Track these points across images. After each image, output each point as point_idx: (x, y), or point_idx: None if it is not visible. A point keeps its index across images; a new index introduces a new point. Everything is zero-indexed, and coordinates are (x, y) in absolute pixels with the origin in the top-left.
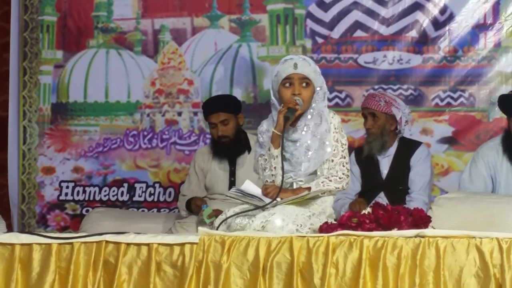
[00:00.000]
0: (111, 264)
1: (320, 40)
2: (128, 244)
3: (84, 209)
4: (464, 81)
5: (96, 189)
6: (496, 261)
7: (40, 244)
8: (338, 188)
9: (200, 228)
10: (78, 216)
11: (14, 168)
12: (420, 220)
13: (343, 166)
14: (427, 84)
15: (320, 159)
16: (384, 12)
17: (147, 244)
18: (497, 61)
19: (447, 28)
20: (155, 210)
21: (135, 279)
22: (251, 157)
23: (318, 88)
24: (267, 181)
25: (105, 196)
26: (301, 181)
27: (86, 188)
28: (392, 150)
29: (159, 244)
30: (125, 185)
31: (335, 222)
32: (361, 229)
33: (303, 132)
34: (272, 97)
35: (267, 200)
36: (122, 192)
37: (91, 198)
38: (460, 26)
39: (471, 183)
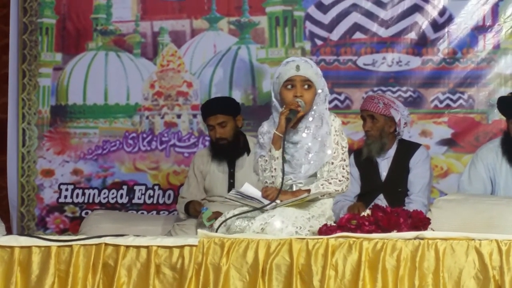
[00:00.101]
0: (110, 267)
1: (319, 42)
2: (128, 247)
3: (84, 212)
4: (463, 83)
5: (96, 191)
6: (495, 263)
7: (39, 246)
8: (338, 190)
9: (199, 230)
10: (77, 218)
11: (13, 171)
12: (420, 222)
13: (343, 168)
14: (426, 86)
15: (320, 162)
16: (383, 14)
17: (147, 247)
18: (496, 63)
19: (446, 30)
20: (154, 212)
21: (135, 281)
22: (250, 159)
23: (319, 91)
24: (266, 182)
25: (104, 198)
26: (300, 183)
27: (86, 191)
28: (391, 152)
29: (158, 246)
30: (125, 187)
31: (334, 224)
32: (360, 231)
33: (304, 134)
34: (273, 99)
35: (267, 202)
36: (122, 195)
37: (91, 201)
38: (459, 28)
39: (470, 185)
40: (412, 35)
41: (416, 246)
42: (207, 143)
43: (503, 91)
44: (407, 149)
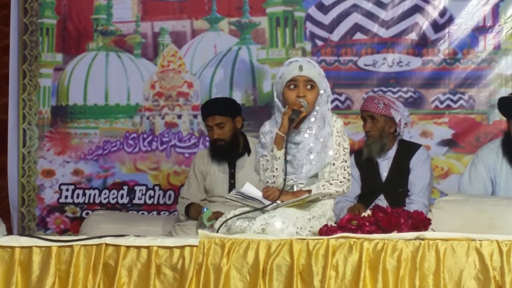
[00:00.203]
0: (111, 267)
1: (319, 43)
2: (128, 247)
3: (84, 212)
4: (464, 84)
5: (96, 192)
6: (496, 263)
7: (40, 247)
8: (339, 191)
9: (200, 230)
10: (78, 219)
11: (14, 171)
12: (420, 222)
13: (344, 170)
14: (427, 86)
15: (322, 162)
16: (384, 14)
17: (147, 247)
18: (496, 63)
19: (446, 30)
20: (155, 212)
21: (135, 282)
22: (251, 160)
23: (322, 91)
24: (267, 182)
25: (105, 199)
26: (301, 183)
27: (86, 191)
28: (392, 152)
29: (159, 246)
30: (125, 187)
31: (335, 225)
32: (361, 232)
33: (306, 135)
34: (276, 99)
35: (267, 203)
36: (122, 195)
37: (91, 201)
38: (460, 28)
39: (471, 186)
40: (413, 36)
41: (416, 246)
42: (207, 144)
43: (504, 92)
44: (408, 149)
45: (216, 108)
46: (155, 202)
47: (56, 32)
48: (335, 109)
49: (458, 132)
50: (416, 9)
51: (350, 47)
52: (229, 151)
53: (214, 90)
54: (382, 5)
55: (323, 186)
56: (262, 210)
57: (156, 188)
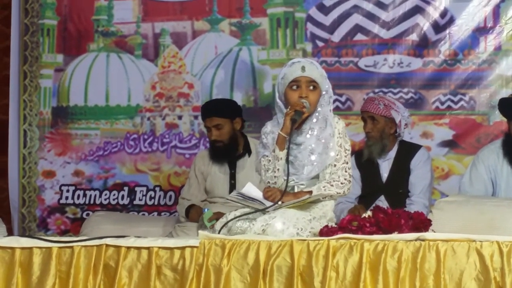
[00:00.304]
0: (111, 268)
1: (320, 44)
2: (129, 248)
3: (85, 213)
4: (465, 85)
5: (97, 192)
6: (496, 264)
7: (40, 247)
8: (340, 193)
9: (200, 231)
10: (78, 219)
11: (15, 172)
12: (421, 223)
13: (346, 171)
14: (428, 87)
15: (323, 163)
16: (385, 15)
17: (148, 248)
18: (497, 64)
19: (447, 31)
20: (155, 213)
21: (136, 282)
22: (251, 160)
23: (324, 92)
24: (269, 182)
25: (105, 199)
26: (302, 184)
27: (87, 192)
28: (392, 153)
29: (159, 247)
30: (126, 188)
31: (335, 226)
32: (361, 233)
33: (308, 136)
34: (278, 100)
35: (268, 204)
36: (123, 196)
37: (92, 202)
38: (461, 29)
39: (472, 187)
40: (413, 37)
41: (417, 247)
42: (208, 145)
43: (504, 93)
44: (408, 150)
45: (215, 109)
46: (156, 203)
47: (56, 33)
48: (336, 110)
49: (459, 133)
50: (416, 10)
51: (350, 48)
52: (228, 152)
53: (215, 91)
54: (382, 6)
55: (324, 187)
56: (263, 211)
57: (157, 189)
